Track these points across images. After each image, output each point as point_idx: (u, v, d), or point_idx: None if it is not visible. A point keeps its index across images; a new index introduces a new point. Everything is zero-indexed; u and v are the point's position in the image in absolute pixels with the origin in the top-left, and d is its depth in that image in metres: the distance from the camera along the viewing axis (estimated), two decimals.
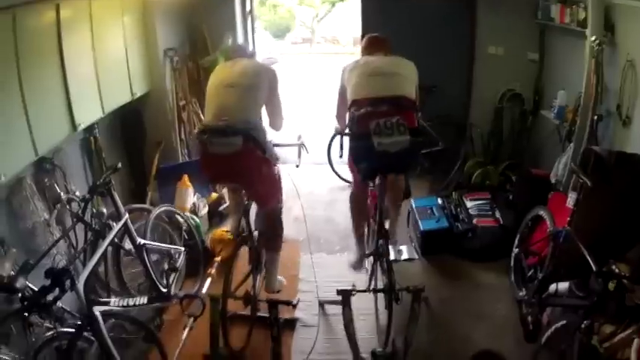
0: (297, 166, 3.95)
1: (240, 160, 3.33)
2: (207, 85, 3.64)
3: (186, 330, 3.77)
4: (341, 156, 3.79)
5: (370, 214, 4.10)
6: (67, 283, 2.69)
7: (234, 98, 3.39)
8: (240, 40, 6.62)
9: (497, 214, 5.15)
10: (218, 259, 4.63)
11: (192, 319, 3.77)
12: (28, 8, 3.32)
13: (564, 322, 2.94)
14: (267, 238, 3.94)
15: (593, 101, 4.29)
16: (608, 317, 2.74)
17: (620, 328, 2.72)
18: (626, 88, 3.99)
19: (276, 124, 3.87)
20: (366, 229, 4.24)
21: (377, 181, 3.65)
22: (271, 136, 3.82)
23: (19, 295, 2.72)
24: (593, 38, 4.22)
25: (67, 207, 3.74)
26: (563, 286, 3.33)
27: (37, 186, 3.65)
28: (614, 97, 4.14)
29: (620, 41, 4.15)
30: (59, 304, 2.92)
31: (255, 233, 3.92)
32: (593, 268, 2.92)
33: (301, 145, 4.08)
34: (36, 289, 2.80)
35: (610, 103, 4.23)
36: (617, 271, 2.65)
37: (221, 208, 5.65)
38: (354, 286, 3.67)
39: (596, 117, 4.26)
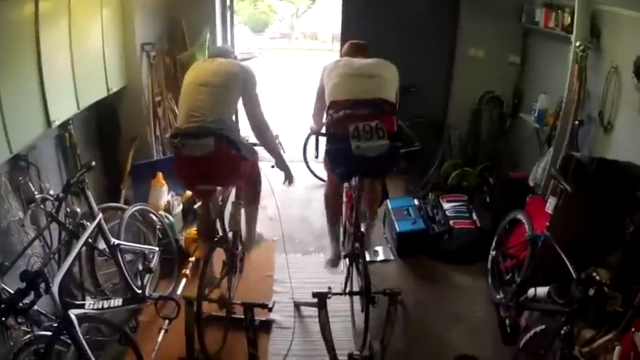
0: (273, 167, 3.91)
1: (215, 161, 3.27)
2: (183, 81, 3.59)
3: (162, 332, 3.70)
4: (317, 156, 3.77)
5: (346, 216, 4.07)
6: (42, 286, 2.64)
7: (206, 97, 3.32)
8: (219, 34, 6.55)
9: (474, 216, 5.17)
10: (192, 258, 4.56)
11: (167, 322, 3.71)
12: (6, 1, 3.20)
13: (543, 326, 2.96)
14: (246, 193, 3.91)
15: (575, 106, 4.32)
16: (587, 323, 2.76)
17: (599, 332, 2.73)
18: (609, 95, 4.02)
19: (255, 124, 3.71)
20: (341, 230, 4.21)
21: (353, 181, 3.63)
22: (247, 134, 3.78)
23: None
24: (578, 44, 4.24)
25: (42, 206, 3.64)
26: (542, 290, 3.34)
27: (12, 184, 3.54)
28: (597, 103, 4.18)
29: (606, 47, 4.18)
30: (35, 307, 2.84)
31: (230, 235, 3.88)
32: (573, 274, 2.94)
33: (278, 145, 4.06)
34: (12, 291, 2.76)
35: (592, 108, 4.26)
36: (597, 277, 2.67)
37: (195, 206, 5.55)
38: (329, 288, 3.66)
39: (577, 122, 4.29)
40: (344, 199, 4.09)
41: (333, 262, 4.18)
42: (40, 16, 3.57)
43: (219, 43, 6.53)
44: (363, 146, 3.21)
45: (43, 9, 3.58)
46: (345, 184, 3.93)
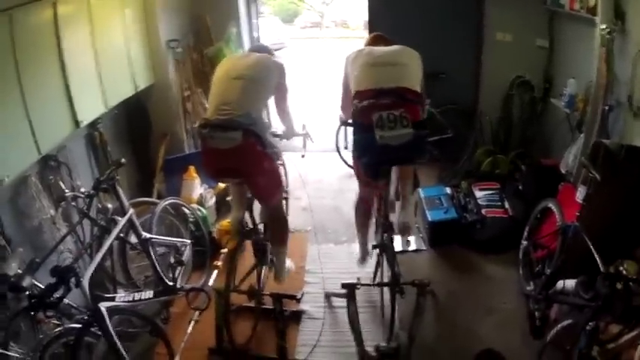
0: (303, 156, 3.93)
1: (240, 155, 3.30)
2: (212, 75, 3.63)
3: (192, 323, 3.78)
4: (346, 147, 3.76)
5: (376, 207, 4.06)
6: (72, 280, 2.73)
7: (238, 91, 3.36)
8: (244, 27, 6.58)
9: (507, 205, 5.09)
10: (225, 250, 4.62)
11: (197, 313, 3.79)
12: (24, 9, 3.29)
13: (570, 321, 2.91)
14: (273, 233, 3.93)
15: (603, 91, 4.19)
16: (614, 318, 2.70)
17: (626, 328, 2.68)
18: (636, 79, 3.88)
19: (284, 117, 3.88)
20: (372, 220, 4.19)
21: (380, 182, 3.62)
22: (275, 127, 3.81)
23: (27, 293, 2.75)
24: (603, 26, 4.11)
25: (73, 203, 3.75)
26: (570, 283, 3.28)
27: (43, 184, 3.66)
28: (625, 88, 4.04)
29: (631, 30, 4.03)
30: (66, 300, 2.93)
31: (260, 226, 3.92)
32: (601, 267, 2.88)
33: (306, 135, 4.08)
34: (42, 286, 2.82)
35: (621, 93, 4.12)
36: (624, 272, 2.61)
37: (228, 198, 5.62)
38: (358, 279, 3.66)
39: (606, 107, 4.17)
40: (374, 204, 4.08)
41: (362, 262, 4.23)
42: (60, 19, 3.68)
43: (244, 36, 6.58)
44: (387, 135, 3.18)
45: (61, 13, 3.69)
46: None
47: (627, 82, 4.00)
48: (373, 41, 3.85)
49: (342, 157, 3.81)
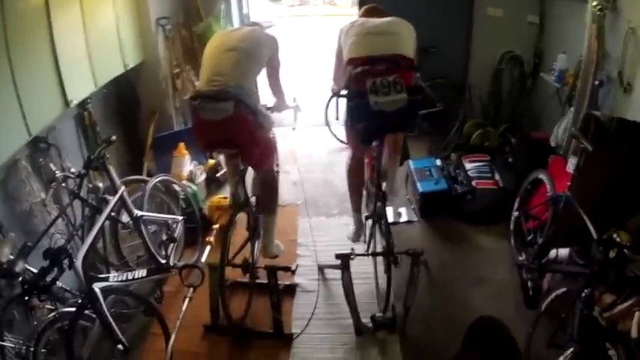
0: (294, 129, 3.91)
1: (232, 125, 3.29)
2: (202, 52, 3.61)
3: (187, 301, 3.77)
4: (337, 118, 3.76)
5: (368, 177, 4.07)
6: (65, 262, 2.71)
7: (231, 62, 3.35)
8: (234, 4, 6.52)
9: (497, 176, 5.13)
10: (216, 226, 4.62)
11: (191, 290, 3.78)
12: None
13: (564, 289, 2.93)
14: (263, 201, 3.93)
15: (594, 66, 4.21)
16: (608, 286, 2.73)
17: (620, 298, 2.71)
18: (627, 56, 3.90)
19: (276, 91, 3.90)
20: (364, 192, 4.20)
21: (374, 146, 3.62)
22: (266, 100, 3.80)
23: (20, 279, 2.74)
24: (594, 3, 4.12)
25: (63, 184, 3.71)
26: (564, 252, 3.31)
27: (33, 166, 3.60)
28: (616, 64, 4.05)
29: (622, 8, 4.03)
30: (59, 284, 2.93)
31: (253, 199, 3.92)
32: (594, 235, 2.90)
33: (296, 108, 4.08)
34: (35, 271, 2.80)
35: (611, 69, 4.14)
36: (618, 239, 2.63)
37: (218, 174, 5.64)
38: (352, 249, 3.67)
39: (597, 82, 4.18)
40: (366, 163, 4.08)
41: (355, 237, 4.21)
42: None
43: (234, 13, 6.52)
44: (381, 101, 3.18)
45: None
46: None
47: (618, 58, 4.01)
48: (368, 13, 3.83)
49: (331, 131, 3.84)
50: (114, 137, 3.76)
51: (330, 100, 3.84)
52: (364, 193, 4.17)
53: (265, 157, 3.77)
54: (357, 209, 4.17)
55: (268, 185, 3.89)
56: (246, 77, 3.38)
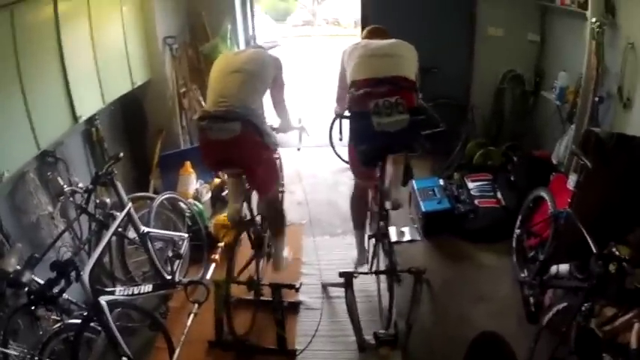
0: (299, 150, 3.97)
1: (239, 146, 3.34)
2: (208, 71, 3.67)
3: (191, 316, 3.80)
4: (341, 139, 3.81)
5: (372, 196, 4.10)
6: (72, 274, 2.73)
7: (236, 84, 3.41)
8: (239, 25, 6.61)
9: (499, 195, 5.16)
10: (221, 244, 4.66)
11: (196, 306, 3.81)
12: (25, 4, 3.31)
13: (565, 304, 2.96)
14: (270, 222, 3.98)
15: (593, 83, 4.27)
16: (608, 300, 2.75)
17: (620, 311, 2.72)
18: (627, 71, 3.96)
19: (281, 111, 3.95)
20: (368, 213, 4.23)
21: (377, 171, 3.65)
22: (271, 120, 3.85)
23: (26, 289, 2.77)
24: (593, 20, 4.19)
25: (71, 199, 3.77)
26: (564, 267, 3.34)
27: (40, 179, 3.67)
28: (615, 80, 4.11)
29: (621, 24, 4.10)
30: (65, 295, 2.96)
31: (258, 218, 3.96)
32: (594, 250, 2.93)
33: (301, 129, 4.12)
34: (42, 282, 2.83)
35: (611, 85, 4.20)
36: (617, 253, 2.65)
37: (224, 193, 5.65)
38: (356, 268, 3.70)
39: (597, 99, 4.23)
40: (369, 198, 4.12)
41: (359, 263, 4.20)
42: (60, 16, 3.70)
43: (240, 33, 6.61)
44: (384, 122, 3.23)
45: (62, 9, 3.71)
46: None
47: (617, 74, 4.07)
48: (371, 34, 3.89)
49: (335, 152, 3.85)
50: (121, 154, 3.82)
51: (333, 122, 3.90)
52: (367, 214, 4.21)
53: (270, 180, 3.79)
54: (360, 243, 4.20)
55: (274, 209, 3.95)
56: (251, 98, 3.44)
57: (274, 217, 3.95)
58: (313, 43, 20.20)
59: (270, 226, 3.99)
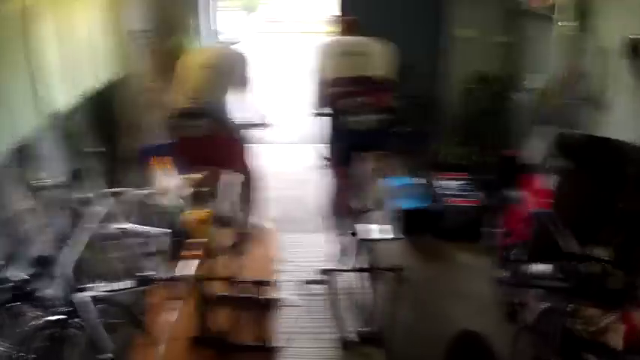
0: (265, 145, 3.95)
1: (212, 142, 3.36)
2: (174, 67, 3.66)
3: (172, 313, 3.78)
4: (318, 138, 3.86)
5: (348, 194, 4.13)
6: (52, 270, 2.75)
7: (205, 80, 3.45)
8: (203, 20, 6.59)
9: (474, 194, 5.27)
10: (202, 240, 4.62)
11: (177, 302, 3.79)
12: None
13: (546, 304, 3.01)
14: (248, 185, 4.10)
15: (565, 85, 4.37)
16: (590, 301, 2.81)
17: (604, 312, 2.79)
18: (598, 74, 4.05)
19: (247, 106, 4.00)
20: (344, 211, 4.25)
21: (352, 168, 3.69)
22: (237, 115, 3.88)
23: (10, 285, 2.73)
24: (561, 23, 4.29)
25: (49, 194, 3.69)
26: (544, 267, 3.40)
27: (16, 175, 3.58)
28: (587, 82, 4.20)
29: (591, 27, 4.18)
30: (46, 291, 2.91)
31: (239, 214, 3.96)
32: (574, 250, 3.00)
33: (264, 124, 4.15)
34: (23, 277, 2.79)
35: (582, 86, 4.28)
36: (598, 254, 2.72)
37: (202, 188, 5.62)
38: (335, 265, 3.72)
39: (569, 100, 4.33)
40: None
41: (342, 256, 4.19)
42: (28, 10, 3.64)
43: (203, 28, 6.58)
44: (354, 120, 3.29)
45: (29, 3, 3.65)
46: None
47: (588, 76, 4.17)
48: (344, 29, 3.92)
49: (317, 152, 3.90)
50: (100, 149, 3.77)
51: (312, 118, 3.92)
52: (344, 211, 4.23)
53: (242, 166, 3.95)
54: (337, 234, 4.27)
55: (247, 181, 4.07)
56: (220, 94, 3.47)
57: (247, 185, 4.04)
58: (281, 39, 20.17)
59: (243, 190, 4.05)
